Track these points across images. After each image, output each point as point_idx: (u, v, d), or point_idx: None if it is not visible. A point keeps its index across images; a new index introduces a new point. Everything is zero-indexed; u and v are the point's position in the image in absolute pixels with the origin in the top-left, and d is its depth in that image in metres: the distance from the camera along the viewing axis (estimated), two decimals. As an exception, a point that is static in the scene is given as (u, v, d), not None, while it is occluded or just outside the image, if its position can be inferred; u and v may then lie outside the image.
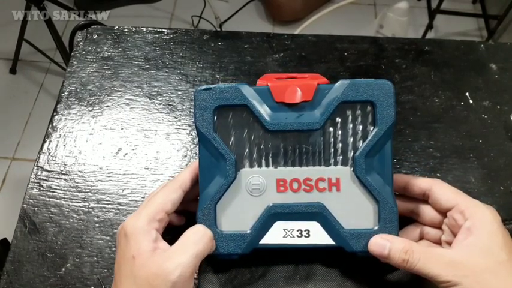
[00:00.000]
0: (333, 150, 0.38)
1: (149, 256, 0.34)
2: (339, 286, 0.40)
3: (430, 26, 1.69)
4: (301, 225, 0.38)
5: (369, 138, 0.37)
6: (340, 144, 0.38)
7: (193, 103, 0.53)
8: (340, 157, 0.38)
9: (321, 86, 0.38)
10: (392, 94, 0.38)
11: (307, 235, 0.38)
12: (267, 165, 0.38)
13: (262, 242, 0.38)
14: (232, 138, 0.38)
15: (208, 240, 0.36)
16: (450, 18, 1.66)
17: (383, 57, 0.57)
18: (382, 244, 0.36)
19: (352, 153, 0.38)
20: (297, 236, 0.38)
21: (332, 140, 0.38)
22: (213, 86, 0.38)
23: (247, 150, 0.38)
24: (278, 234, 0.38)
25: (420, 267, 0.34)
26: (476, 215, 0.35)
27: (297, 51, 0.57)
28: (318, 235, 0.38)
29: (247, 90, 0.38)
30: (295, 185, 0.38)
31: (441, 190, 0.37)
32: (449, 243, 0.36)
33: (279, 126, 0.37)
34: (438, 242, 0.38)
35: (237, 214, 0.38)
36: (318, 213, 0.38)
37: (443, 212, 0.37)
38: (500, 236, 0.34)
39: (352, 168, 0.38)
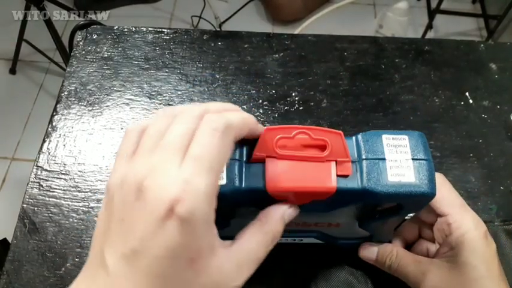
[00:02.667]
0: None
1: (210, 258, 0.23)
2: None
3: (429, 26, 1.68)
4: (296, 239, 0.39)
5: (385, 218, 0.34)
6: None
7: (193, 103, 0.53)
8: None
9: (341, 188, 0.28)
10: (428, 202, 0.31)
11: (300, 241, 0.39)
12: None
13: None
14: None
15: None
16: (450, 18, 1.66)
17: (383, 57, 0.57)
18: (371, 250, 0.39)
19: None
20: (291, 241, 0.39)
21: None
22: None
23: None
24: None
25: (401, 271, 0.36)
26: (459, 231, 0.34)
27: (297, 51, 0.57)
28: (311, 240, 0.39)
29: (241, 193, 0.28)
30: (292, 225, 0.30)
31: (438, 195, 0.37)
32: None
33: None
34: (433, 241, 0.39)
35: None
36: (315, 231, 0.38)
37: (435, 216, 0.37)
38: (480, 253, 0.33)
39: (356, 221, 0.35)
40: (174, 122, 0.24)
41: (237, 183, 0.27)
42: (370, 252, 0.38)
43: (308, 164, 0.27)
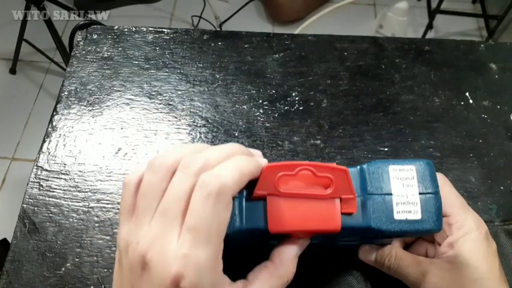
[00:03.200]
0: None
1: None
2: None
3: (429, 26, 1.69)
4: None
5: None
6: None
7: (193, 103, 0.54)
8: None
9: (346, 226, 0.27)
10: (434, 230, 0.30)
11: None
12: None
13: None
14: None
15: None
16: (450, 18, 1.66)
17: (383, 57, 0.57)
18: (369, 251, 0.38)
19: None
20: None
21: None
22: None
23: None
24: None
25: (400, 272, 0.35)
26: (461, 232, 0.34)
27: (297, 51, 0.57)
28: None
29: (242, 233, 0.27)
30: None
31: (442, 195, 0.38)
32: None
33: None
34: (433, 242, 0.39)
35: None
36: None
37: None
38: (481, 254, 0.33)
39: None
40: (170, 184, 0.24)
41: (237, 223, 0.26)
42: (369, 254, 0.38)
43: (311, 202, 0.26)
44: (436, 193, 0.28)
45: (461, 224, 0.34)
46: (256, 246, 0.28)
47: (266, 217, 0.26)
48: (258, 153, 0.28)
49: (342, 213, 0.27)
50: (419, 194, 0.28)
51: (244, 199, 0.27)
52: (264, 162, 0.27)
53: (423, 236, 0.38)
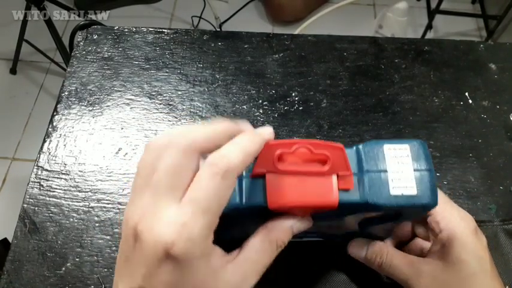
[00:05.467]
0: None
1: (214, 281, 0.25)
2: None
3: (429, 26, 1.69)
4: None
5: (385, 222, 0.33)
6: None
7: (193, 103, 0.54)
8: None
9: (343, 202, 0.28)
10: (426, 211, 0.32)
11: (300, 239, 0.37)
12: None
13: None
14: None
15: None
16: (449, 18, 1.66)
17: (382, 57, 0.57)
18: (360, 247, 0.38)
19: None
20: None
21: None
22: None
23: None
24: None
25: (392, 272, 0.35)
26: (449, 227, 0.34)
27: (297, 51, 0.57)
28: None
29: (242, 212, 0.28)
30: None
31: None
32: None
33: None
34: (428, 239, 0.39)
35: None
36: (315, 232, 0.37)
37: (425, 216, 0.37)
38: (472, 249, 0.33)
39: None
40: (159, 158, 0.25)
41: (237, 200, 0.27)
42: (359, 249, 0.38)
43: (309, 179, 0.27)
44: (430, 170, 0.29)
45: (448, 220, 0.34)
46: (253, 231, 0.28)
47: (265, 194, 0.27)
48: (265, 130, 0.28)
49: (339, 190, 0.27)
50: (414, 170, 0.28)
51: (243, 178, 0.27)
52: (267, 134, 0.27)
53: (419, 216, 0.37)
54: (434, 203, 0.28)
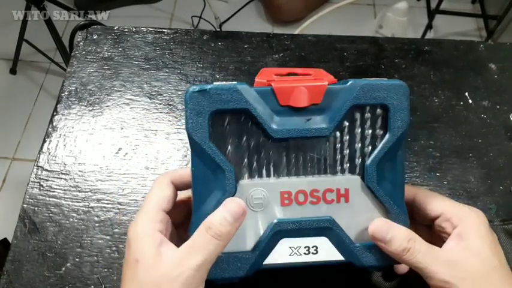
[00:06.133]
0: (339, 157, 0.35)
1: (154, 259, 0.31)
2: None
3: (429, 26, 1.69)
4: (309, 242, 0.35)
5: (381, 144, 0.34)
6: (348, 151, 0.35)
7: (193, 103, 0.54)
8: (347, 165, 0.35)
9: (331, 86, 0.34)
10: (407, 97, 0.34)
11: (315, 251, 0.35)
12: (268, 176, 0.35)
13: (266, 262, 0.34)
14: (229, 147, 0.34)
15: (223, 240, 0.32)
16: (449, 18, 1.66)
17: (383, 57, 0.57)
18: (385, 228, 0.34)
19: (360, 161, 0.35)
20: (304, 253, 0.35)
21: (339, 145, 0.35)
22: (208, 86, 0.33)
23: (246, 159, 0.34)
24: (284, 253, 0.35)
25: (419, 260, 0.32)
26: (464, 221, 0.34)
27: (297, 51, 0.57)
28: (326, 251, 0.35)
29: (248, 92, 0.33)
30: (301, 198, 0.34)
31: (425, 199, 0.36)
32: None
33: (284, 133, 0.33)
34: (431, 243, 0.38)
35: (238, 232, 0.33)
36: (328, 228, 0.35)
37: (431, 221, 0.36)
38: (490, 241, 0.33)
39: (361, 177, 0.35)
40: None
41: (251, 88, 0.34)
42: (382, 231, 0.33)
43: (305, 79, 0.35)
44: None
45: (461, 216, 0.34)
46: None
47: (272, 87, 0.34)
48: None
49: (328, 84, 0.34)
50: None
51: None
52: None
53: (416, 217, 0.37)
54: (405, 84, 0.35)
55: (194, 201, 0.34)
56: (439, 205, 0.35)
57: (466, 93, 0.54)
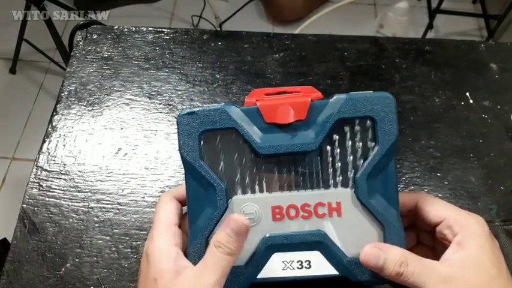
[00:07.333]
0: (331, 170, 0.35)
1: (172, 278, 0.32)
2: None
3: (430, 26, 1.68)
4: (302, 256, 0.35)
5: (371, 157, 0.35)
6: (339, 164, 0.35)
7: (193, 103, 0.53)
8: (340, 178, 0.35)
9: (315, 102, 0.35)
10: (394, 108, 0.35)
11: (308, 266, 0.35)
12: (261, 191, 0.35)
13: (260, 276, 0.35)
14: (222, 164, 0.35)
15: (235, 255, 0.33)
16: (450, 18, 1.66)
17: (383, 57, 0.57)
18: (377, 255, 0.34)
19: (352, 174, 0.35)
20: (297, 267, 0.35)
21: (330, 159, 0.35)
22: (196, 109, 0.35)
23: (238, 175, 0.35)
24: (277, 267, 0.35)
25: (414, 281, 0.32)
26: (465, 229, 0.33)
27: (297, 51, 0.57)
28: (319, 265, 0.35)
29: (235, 112, 0.35)
30: (292, 212, 0.35)
31: (427, 206, 0.36)
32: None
33: (271, 149, 0.34)
34: (434, 248, 0.38)
35: None
36: (319, 242, 0.35)
37: (433, 227, 0.36)
38: (490, 250, 0.33)
39: (353, 190, 0.35)
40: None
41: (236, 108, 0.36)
42: (374, 257, 0.34)
43: (290, 97, 0.36)
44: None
45: (462, 223, 0.33)
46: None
47: (258, 106, 0.35)
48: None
49: (312, 100, 0.35)
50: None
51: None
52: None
53: (418, 223, 0.37)
54: (390, 96, 0.35)
55: (189, 216, 0.36)
56: (440, 211, 0.35)
57: (467, 93, 0.54)
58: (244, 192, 0.35)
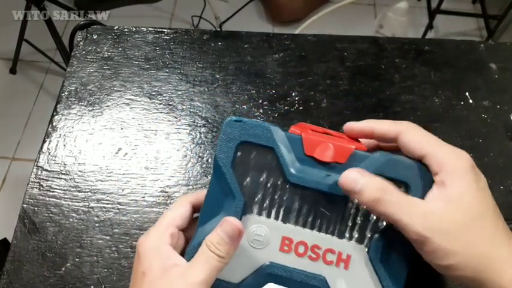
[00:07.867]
0: (351, 223, 0.34)
1: (160, 273, 0.32)
2: None
3: (430, 26, 1.69)
4: None
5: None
6: (361, 219, 0.34)
7: (193, 103, 0.54)
8: (357, 233, 0.34)
9: (358, 152, 0.34)
10: (430, 183, 0.33)
11: None
12: (276, 218, 0.35)
13: None
14: (248, 179, 0.35)
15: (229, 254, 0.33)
16: (450, 18, 1.66)
17: (383, 57, 0.57)
18: (355, 178, 0.32)
19: (370, 233, 0.34)
20: None
21: (353, 211, 0.34)
22: (245, 119, 0.35)
23: (260, 195, 0.35)
24: None
25: (391, 211, 0.31)
26: (446, 166, 0.31)
27: (297, 51, 0.57)
28: None
29: (279, 134, 0.35)
30: (301, 249, 0.34)
31: (408, 139, 0.33)
32: None
33: (301, 180, 0.34)
34: None
35: (233, 260, 0.34)
36: (317, 287, 0.34)
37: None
38: (472, 187, 0.31)
39: (366, 249, 0.34)
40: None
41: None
42: (352, 181, 0.32)
43: (335, 139, 0.35)
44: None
45: (441, 161, 0.31)
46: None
47: (301, 138, 0.35)
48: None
49: (356, 149, 0.34)
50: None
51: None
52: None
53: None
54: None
55: (200, 218, 0.35)
56: (422, 147, 0.33)
57: (467, 93, 0.54)
58: (259, 214, 0.35)
